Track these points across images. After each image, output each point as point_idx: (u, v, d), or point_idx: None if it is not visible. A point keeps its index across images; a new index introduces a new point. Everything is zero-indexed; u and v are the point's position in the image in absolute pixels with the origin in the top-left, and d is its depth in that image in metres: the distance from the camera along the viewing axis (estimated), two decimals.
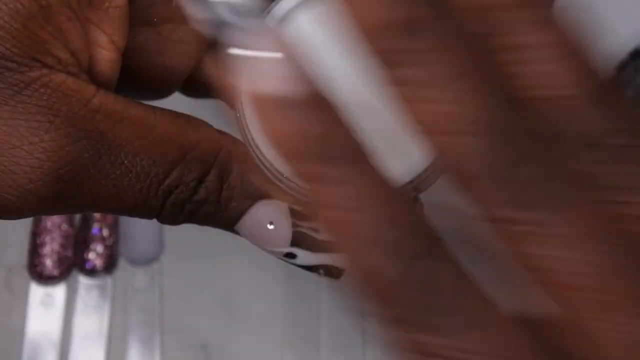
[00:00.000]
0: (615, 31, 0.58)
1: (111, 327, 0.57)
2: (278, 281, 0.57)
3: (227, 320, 0.57)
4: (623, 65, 0.55)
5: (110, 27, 0.28)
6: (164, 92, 0.32)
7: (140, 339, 0.56)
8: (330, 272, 0.28)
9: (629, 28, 0.58)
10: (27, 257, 0.57)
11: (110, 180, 0.26)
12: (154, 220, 0.60)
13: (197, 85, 0.32)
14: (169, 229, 0.58)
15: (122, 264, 0.57)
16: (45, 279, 0.56)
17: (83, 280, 0.57)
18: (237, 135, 0.28)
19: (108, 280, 0.57)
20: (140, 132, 0.26)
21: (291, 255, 0.28)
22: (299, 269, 0.59)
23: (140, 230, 0.57)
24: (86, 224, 0.57)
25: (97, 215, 0.57)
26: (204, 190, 0.27)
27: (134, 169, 0.26)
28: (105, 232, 0.57)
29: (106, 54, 0.28)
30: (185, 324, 0.57)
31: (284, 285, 0.57)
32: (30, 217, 0.27)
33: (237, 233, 0.28)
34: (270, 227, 0.27)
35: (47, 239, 0.56)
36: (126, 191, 0.26)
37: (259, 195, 0.28)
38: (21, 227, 0.57)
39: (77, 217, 0.57)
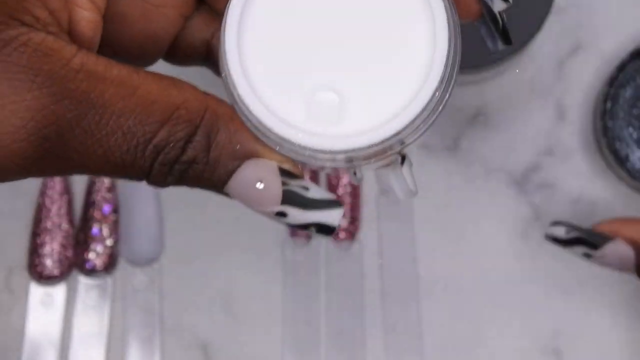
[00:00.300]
0: (615, 31, 0.58)
1: (111, 327, 0.57)
2: (278, 281, 0.57)
3: (227, 320, 0.57)
4: (623, 65, 0.55)
5: None
6: (148, 60, 0.32)
7: (140, 339, 0.56)
8: (322, 229, 0.28)
9: (629, 28, 0.58)
10: (27, 257, 0.57)
11: (96, 140, 0.26)
12: (154, 221, 0.60)
13: (181, 51, 0.32)
14: (169, 229, 0.58)
15: (122, 264, 0.57)
16: (45, 279, 0.56)
17: (83, 280, 0.57)
18: (223, 97, 0.28)
19: (108, 280, 0.57)
20: (123, 93, 0.26)
21: (282, 214, 0.28)
22: (299, 269, 0.59)
23: (140, 230, 0.57)
24: (86, 224, 0.57)
25: (97, 215, 0.57)
26: (192, 150, 0.27)
27: (119, 129, 0.26)
28: (106, 232, 0.57)
29: (86, 14, 0.28)
30: (185, 324, 0.57)
31: (284, 285, 0.57)
32: (18, 179, 0.27)
33: (227, 195, 0.28)
34: (260, 186, 0.27)
35: (47, 238, 0.56)
36: (113, 152, 0.26)
37: (247, 155, 0.28)
38: (21, 227, 0.57)
39: (78, 217, 0.57)
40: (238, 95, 0.27)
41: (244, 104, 0.27)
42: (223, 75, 0.28)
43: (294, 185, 0.28)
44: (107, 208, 0.57)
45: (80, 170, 0.27)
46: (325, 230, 0.28)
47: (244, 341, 0.57)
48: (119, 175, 0.27)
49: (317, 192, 0.28)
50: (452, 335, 0.57)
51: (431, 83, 0.27)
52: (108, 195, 0.57)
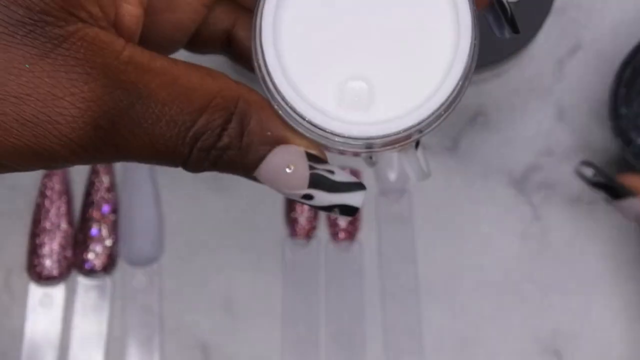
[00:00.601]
0: (615, 31, 0.58)
1: (111, 327, 0.57)
2: (278, 281, 0.57)
3: (227, 320, 0.57)
4: (623, 65, 0.55)
5: None
6: (170, 48, 0.34)
7: (140, 339, 0.56)
8: (345, 210, 0.30)
9: (629, 28, 0.58)
10: (26, 258, 0.57)
11: (143, 129, 0.28)
12: (154, 221, 0.60)
13: (202, 40, 0.34)
14: (169, 229, 0.58)
15: (122, 264, 0.57)
16: (44, 279, 0.56)
17: (82, 281, 0.57)
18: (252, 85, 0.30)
19: (107, 280, 0.57)
20: (166, 82, 0.28)
21: (308, 197, 0.30)
22: (299, 269, 0.59)
23: (140, 230, 0.57)
24: (85, 224, 0.57)
25: (96, 215, 0.57)
26: (227, 136, 0.29)
27: (163, 117, 0.28)
28: (105, 233, 0.57)
29: (130, 8, 0.30)
30: (185, 324, 0.57)
31: (284, 285, 0.57)
32: (73, 166, 0.29)
33: (256, 180, 0.30)
34: (289, 170, 0.29)
35: (47, 239, 0.56)
36: (158, 139, 0.28)
37: (277, 141, 0.29)
38: (21, 228, 0.57)
39: (77, 217, 0.57)
40: (272, 82, 0.29)
41: (276, 89, 0.29)
42: (256, 63, 0.29)
43: (321, 169, 0.30)
44: (106, 208, 0.57)
45: (126, 157, 0.29)
46: (349, 211, 0.30)
47: (244, 341, 0.57)
48: (160, 161, 0.29)
49: (341, 175, 0.30)
50: (452, 335, 0.57)
51: (455, 73, 0.28)
52: (107, 196, 0.57)
